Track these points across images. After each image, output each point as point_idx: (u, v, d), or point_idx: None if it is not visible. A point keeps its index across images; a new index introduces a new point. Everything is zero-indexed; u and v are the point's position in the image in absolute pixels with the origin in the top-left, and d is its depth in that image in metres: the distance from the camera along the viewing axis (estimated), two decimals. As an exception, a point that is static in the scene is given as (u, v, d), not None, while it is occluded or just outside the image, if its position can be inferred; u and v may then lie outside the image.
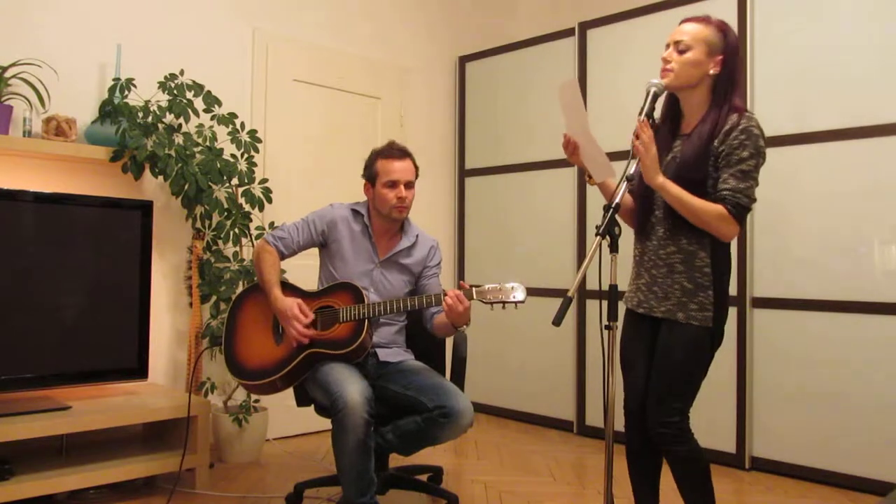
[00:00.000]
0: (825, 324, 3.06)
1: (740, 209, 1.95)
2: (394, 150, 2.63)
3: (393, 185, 2.58)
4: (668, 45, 2.06)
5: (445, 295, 2.35)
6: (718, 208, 1.95)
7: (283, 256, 2.61)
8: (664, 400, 2.03)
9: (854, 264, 3.00)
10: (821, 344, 3.07)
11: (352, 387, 2.26)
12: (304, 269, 2.79)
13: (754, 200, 1.98)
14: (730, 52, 2.02)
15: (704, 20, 2.04)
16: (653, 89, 2.06)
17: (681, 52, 2.01)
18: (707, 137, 1.99)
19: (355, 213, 2.67)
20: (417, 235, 2.72)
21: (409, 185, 2.61)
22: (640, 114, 2.03)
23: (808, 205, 3.11)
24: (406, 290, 2.69)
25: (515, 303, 2.33)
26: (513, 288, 2.34)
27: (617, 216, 1.94)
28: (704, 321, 2.01)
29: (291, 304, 2.43)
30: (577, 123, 2.13)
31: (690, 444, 2.03)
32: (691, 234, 2.01)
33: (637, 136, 1.98)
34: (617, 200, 1.94)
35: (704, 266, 2.02)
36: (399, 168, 2.59)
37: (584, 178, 3.90)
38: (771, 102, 3.21)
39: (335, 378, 2.32)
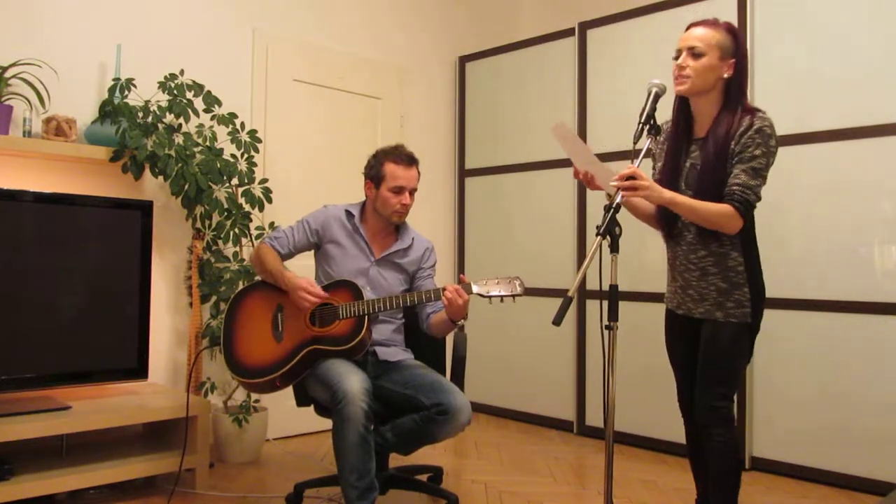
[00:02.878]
0: (825, 324, 3.06)
1: (747, 205, 1.99)
2: (403, 157, 2.64)
3: (399, 191, 2.60)
4: (679, 52, 2.07)
5: (445, 290, 2.37)
6: (725, 208, 1.98)
7: (281, 256, 2.64)
8: (709, 385, 2.08)
9: (854, 264, 2.99)
10: (821, 344, 3.07)
11: (352, 378, 2.28)
12: (304, 270, 2.79)
13: (759, 199, 2.01)
14: (741, 54, 2.06)
15: (713, 24, 2.06)
16: (654, 90, 2.06)
17: (696, 57, 2.03)
18: (723, 141, 2.02)
19: (349, 214, 2.69)
20: (413, 238, 2.74)
21: (412, 193, 2.65)
22: (640, 117, 2.03)
23: (809, 205, 3.11)
24: (402, 288, 2.70)
25: (513, 296, 2.36)
26: (510, 281, 2.37)
27: (641, 220, 1.96)
28: (743, 317, 2.06)
29: (305, 280, 2.49)
30: (583, 157, 2.13)
31: (731, 432, 2.08)
32: (721, 236, 2.04)
33: (633, 188, 1.95)
34: (618, 200, 1.94)
35: (738, 265, 2.06)
36: (407, 176, 2.62)
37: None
38: (771, 102, 3.20)
39: (335, 372, 2.33)
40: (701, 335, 2.13)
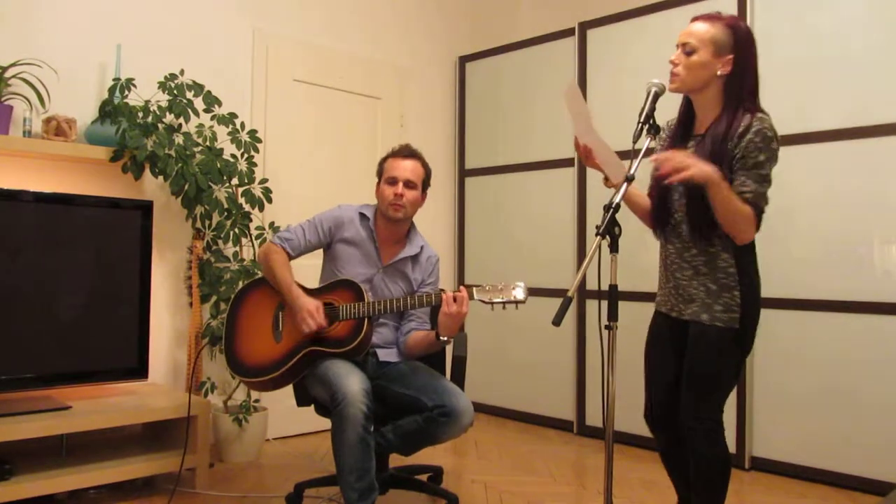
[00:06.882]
0: (825, 324, 3.06)
1: (760, 212, 1.94)
2: (401, 150, 2.66)
3: (392, 181, 2.59)
4: (677, 46, 2.03)
5: (444, 291, 2.35)
6: (749, 210, 1.92)
7: (290, 258, 2.60)
8: (694, 399, 2.02)
9: (854, 264, 3.00)
10: (821, 344, 3.07)
11: (351, 379, 2.27)
12: (311, 270, 2.79)
13: (767, 203, 1.96)
14: (741, 49, 1.98)
15: (713, 18, 2.00)
16: (653, 89, 2.04)
17: (688, 54, 1.99)
18: (721, 140, 1.96)
19: (362, 216, 2.66)
20: (422, 246, 2.70)
21: (410, 185, 2.60)
22: (640, 116, 2.02)
23: (809, 205, 3.11)
24: None
25: (516, 302, 2.31)
26: (514, 287, 2.33)
27: (637, 215, 1.91)
28: (730, 322, 1.98)
29: (313, 304, 2.42)
30: (584, 126, 2.10)
31: (719, 447, 2.02)
32: (712, 235, 1.99)
33: (682, 167, 1.85)
34: (617, 200, 1.93)
35: (728, 267, 1.99)
36: (401, 166, 2.61)
37: (583, 178, 3.91)
38: (771, 102, 3.14)
39: (335, 372, 2.32)
40: (688, 339, 2.06)
